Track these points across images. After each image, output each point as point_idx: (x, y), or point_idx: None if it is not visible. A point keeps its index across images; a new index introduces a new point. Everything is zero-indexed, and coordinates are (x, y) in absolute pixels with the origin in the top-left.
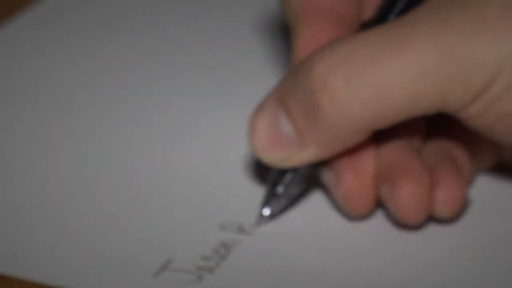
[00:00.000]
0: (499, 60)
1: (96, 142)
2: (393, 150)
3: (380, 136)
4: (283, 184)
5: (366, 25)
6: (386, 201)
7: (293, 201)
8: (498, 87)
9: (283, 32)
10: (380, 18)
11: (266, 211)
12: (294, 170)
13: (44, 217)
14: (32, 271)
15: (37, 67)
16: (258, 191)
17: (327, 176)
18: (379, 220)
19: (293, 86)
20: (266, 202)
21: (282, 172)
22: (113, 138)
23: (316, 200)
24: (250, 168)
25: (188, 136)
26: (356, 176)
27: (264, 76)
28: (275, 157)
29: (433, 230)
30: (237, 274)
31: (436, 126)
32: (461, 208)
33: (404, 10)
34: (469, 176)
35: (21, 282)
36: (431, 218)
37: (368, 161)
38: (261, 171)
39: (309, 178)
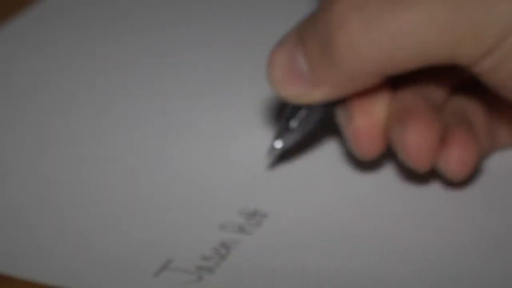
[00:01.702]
0: (511, 15)
1: (96, 142)
2: (410, 97)
3: (400, 83)
4: (297, 119)
5: None
6: (396, 143)
7: (306, 137)
8: (511, 43)
9: (283, 31)
10: None
11: (278, 144)
12: (309, 106)
13: (44, 217)
14: (32, 271)
15: (37, 67)
16: (257, 191)
17: (340, 115)
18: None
19: (312, 24)
20: (278, 135)
21: (297, 108)
22: (113, 138)
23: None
24: (250, 168)
25: (188, 136)
26: (367, 117)
27: (264, 75)
28: (290, 93)
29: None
30: (237, 274)
31: (464, 89)
32: (472, 172)
33: None
34: (485, 146)
35: (21, 282)
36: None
37: (381, 104)
38: (261, 171)
39: (324, 116)
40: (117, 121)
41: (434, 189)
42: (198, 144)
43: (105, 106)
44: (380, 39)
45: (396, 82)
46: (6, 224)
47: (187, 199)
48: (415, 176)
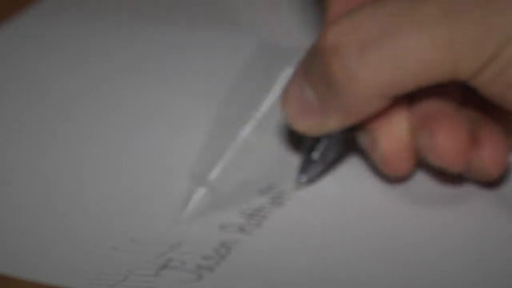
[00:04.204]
0: (507, 27)
1: (96, 142)
2: (430, 105)
3: (414, 96)
4: (318, 150)
5: None
6: (425, 150)
7: (330, 166)
8: (508, 54)
9: (283, 31)
10: None
11: (303, 177)
12: (329, 135)
13: (44, 217)
14: (32, 271)
15: (37, 67)
16: (257, 191)
17: (363, 140)
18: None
19: (313, 54)
20: (302, 169)
21: (317, 139)
22: (113, 138)
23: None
24: (250, 168)
25: (188, 136)
26: (392, 139)
27: (264, 75)
28: (305, 126)
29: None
30: (237, 273)
31: (468, 102)
32: (504, 171)
33: None
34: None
35: (21, 282)
36: (469, 182)
37: (402, 121)
38: (261, 171)
39: (345, 143)
40: (118, 121)
41: (436, 186)
42: (198, 143)
43: (105, 106)
44: (378, 63)
45: (410, 95)
46: (6, 224)
47: (188, 199)
48: (418, 174)
